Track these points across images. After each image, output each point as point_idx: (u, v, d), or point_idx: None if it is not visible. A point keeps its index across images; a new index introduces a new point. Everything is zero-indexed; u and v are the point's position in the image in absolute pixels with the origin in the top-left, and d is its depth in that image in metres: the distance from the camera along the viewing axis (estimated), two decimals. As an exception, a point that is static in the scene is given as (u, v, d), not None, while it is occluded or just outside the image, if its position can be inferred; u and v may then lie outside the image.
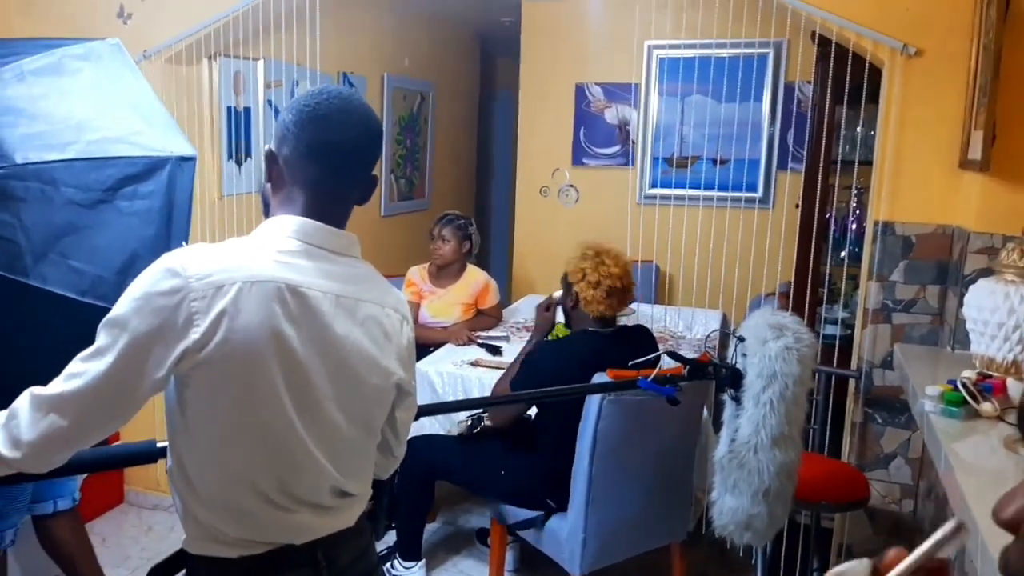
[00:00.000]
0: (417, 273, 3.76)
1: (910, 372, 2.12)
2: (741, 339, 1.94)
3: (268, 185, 1.25)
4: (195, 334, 1.09)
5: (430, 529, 3.25)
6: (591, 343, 2.45)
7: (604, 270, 2.45)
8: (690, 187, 4.31)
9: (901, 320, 2.52)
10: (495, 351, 3.26)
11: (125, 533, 3.27)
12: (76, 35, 2.82)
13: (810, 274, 2.71)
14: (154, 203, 1.49)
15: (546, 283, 4.71)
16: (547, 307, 2.69)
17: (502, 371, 2.77)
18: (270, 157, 1.23)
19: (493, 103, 6.66)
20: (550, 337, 2.87)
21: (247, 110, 3.48)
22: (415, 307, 3.63)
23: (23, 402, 1.11)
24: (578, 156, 4.83)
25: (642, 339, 2.54)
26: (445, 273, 3.69)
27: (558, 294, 2.64)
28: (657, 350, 2.53)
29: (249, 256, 1.15)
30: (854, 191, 3.30)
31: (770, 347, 1.88)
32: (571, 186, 4.84)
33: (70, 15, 3.19)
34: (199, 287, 1.09)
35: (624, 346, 2.45)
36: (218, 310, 1.09)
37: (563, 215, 4.82)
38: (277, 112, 3.70)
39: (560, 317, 2.68)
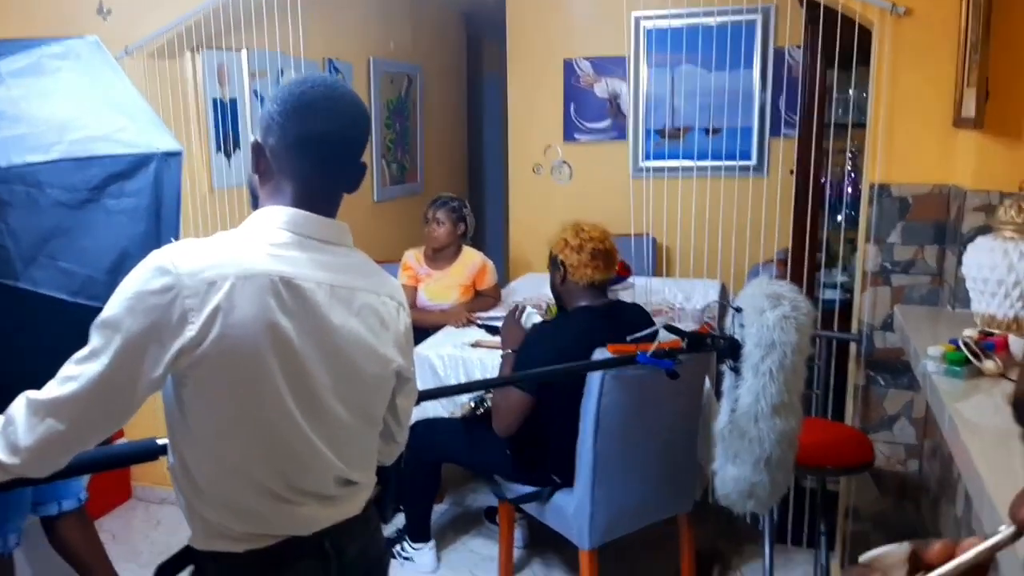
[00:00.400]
0: (413, 256, 3.74)
1: (911, 333, 2.11)
2: (739, 310, 1.94)
3: (255, 176, 1.24)
4: (190, 332, 1.08)
5: (438, 510, 3.27)
6: (586, 319, 2.44)
7: (584, 235, 2.48)
8: (683, 158, 4.30)
9: (900, 282, 2.51)
10: (495, 331, 3.25)
11: (134, 529, 3.28)
12: (56, 34, 2.79)
13: (807, 240, 2.69)
14: (141, 200, 1.48)
15: (543, 261, 4.64)
16: (516, 316, 2.67)
17: (501, 351, 2.77)
18: (256, 148, 1.22)
19: (481, 83, 6.61)
20: (546, 317, 2.87)
21: (233, 101, 3.45)
22: (412, 291, 3.62)
23: (19, 407, 1.10)
24: (569, 132, 4.80)
25: (637, 315, 2.54)
26: (441, 256, 3.68)
27: (524, 301, 2.66)
28: (645, 318, 2.54)
29: (240, 250, 1.14)
30: (849, 155, 3.28)
31: (767, 317, 1.87)
32: (564, 162, 4.82)
33: (49, 14, 3.15)
34: (191, 284, 1.08)
35: (619, 320, 2.45)
36: (212, 307, 1.08)
37: (557, 192, 4.79)
38: (263, 102, 3.66)
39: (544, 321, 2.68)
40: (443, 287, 3.63)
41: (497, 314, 3.51)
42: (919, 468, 2.60)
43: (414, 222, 4.71)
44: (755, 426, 1.88)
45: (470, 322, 3.39)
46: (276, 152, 1.20)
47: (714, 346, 1.96)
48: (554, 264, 2.53)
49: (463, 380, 3.00)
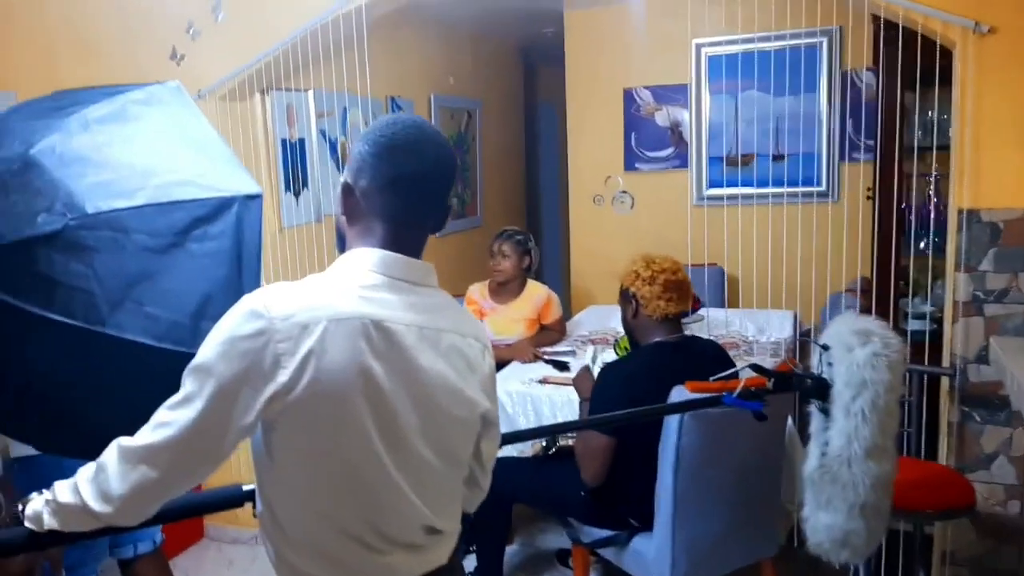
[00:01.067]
0: (477, 291, 3.72)
1: (1010, 366, 2.00)
2: (825, 347, 1.86)
3: (343, 217, 1.23)
4: (283, 376, 1.06)
5: (509, 552, 3.19)
6: (659, 355, 2.37)
7: (656, 266, 2.41)
8: (748, 185, 4.21)
9: (994, 311, 2.38)
10: (562, 367, 3.20)
11: (207, 569, 3.29)
12: (132, 78, 2.87)
13: (893, 268, 2.58)
14: (224, 243, 1.47)
15: (606, 293, 4.63)
16: (586, 371, 2.64)
17: (571, 386, 2.71)
18: (347, 189, 1.20)
19: (537, 114, 6.62)
20: (617, 352, 2.80)
21: (301, 141, 3.50)
22: (477, 326, 3.59)
23: (111, 455, 1.10)
24: (630, 161, 4.76)
25: (713, 349, 2.47)
26: (506, 289, 3.65)
27: (589, 340, 2.60)
28: (730, 364, 2.45)
29: (331, 293, 1.12)
30: (933, 178, 3.16)
31: (857, 354, 1.78)
32: (625, 192, 4.76)
33: (124, 61, 3.25)
34: (284, 328, 1.06)
35: (694, 356, 2.38)
36: (305, 351, 1.06)
37: (619, 223, 4.74)
38: (330, 142, 3.71)
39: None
40: (508, 321, 3.59)
41: (563, 348, 3.46)
42: (1020, 509, 2.45)
43: (474, 255, 4.70)
44: (848, 470, 1.79)
45: (536, 357, 3.34)
46: (368, 193, 1.18)
47: (801, 386, 1.87)
48: (625, 297, 2.47)
49: (532, 417, 2.95)
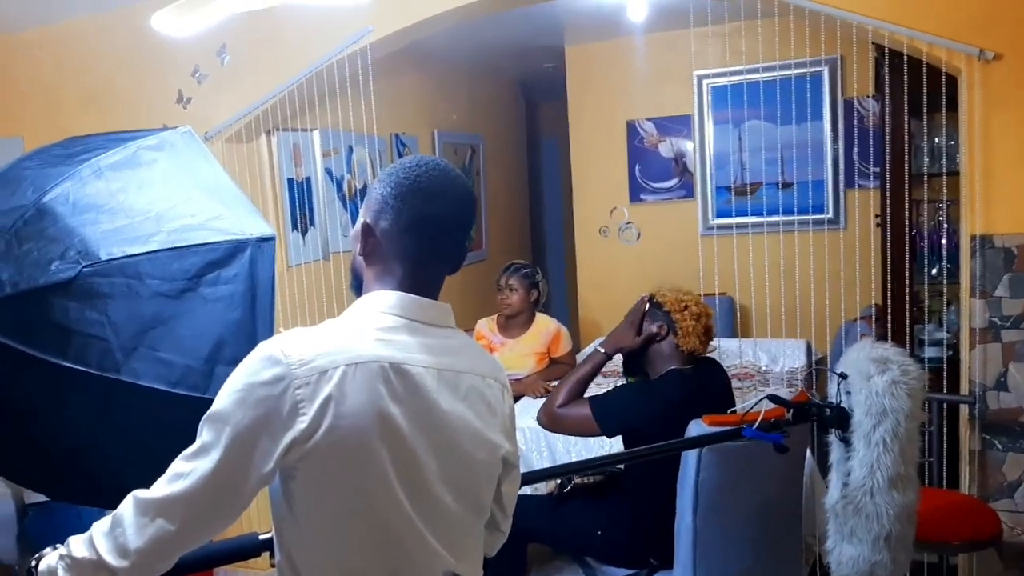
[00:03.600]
0: (486, 326, 3.70)
1: (1031, 393, 1.97)
2: (843, 376, 1.83)
3: (360, 258, 1.21)
4: (302, 423, 1.04)
5: (523, 591, 3.13)
6: (682, 385, 2.34)
7: (702, 307, 2.41)
8: (755, 214, 4.21)
9: (1011, 337, 2.36)
10: (574, 401, 3.16)
11: (217, 614, 3.23)
12: (139, 123, 2.88)
13: (907, 295, 2.57)
14: (237, 287, 1.47)
15: (614, 325, 4.59)
16: (642, 310, 2.48)
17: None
18: (366, 230, 1.19)
19: (540, 148, 6.66)
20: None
21: (307, 180, 3.51)
22: (487, 361, 3.56)
23: (127, 508, 1.07)
24: (635, 193, 4.77)
25: (720, 375, 2.45)
26: (514, 323, 3.63)
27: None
28: (727, 380, 2.43)
29: (349, 337, 1.11)
30: (944, 204, 3.15)
31: (875, 382, 1.76)
32: (631, 224, 4.77)
33: (130, 105, 3.28)
34: (302, 373, 1.04)
35: (708, 383, 2.36)
36: (324, 396, 1.04)
37: (625, 254, 4.74)
38: (336, 180, 3.72)
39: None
40: (518, 356, 3.57)
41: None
42: (1047, 538, 2.40)
43: (479, 290, 4.69)
44: (871, 501, 1.75)
45: (547, 392, 3.30)
46: (388, 234, 1.17)
47: (821, 416, 1.85)
48: (656, 318, 2.40)
49: (545, 453, 2.92)
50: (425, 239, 1.17)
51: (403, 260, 1.17)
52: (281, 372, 1.04)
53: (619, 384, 2.59)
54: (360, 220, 1.21)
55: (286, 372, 1.04)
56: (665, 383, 2.41)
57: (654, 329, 2.41)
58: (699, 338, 2.36)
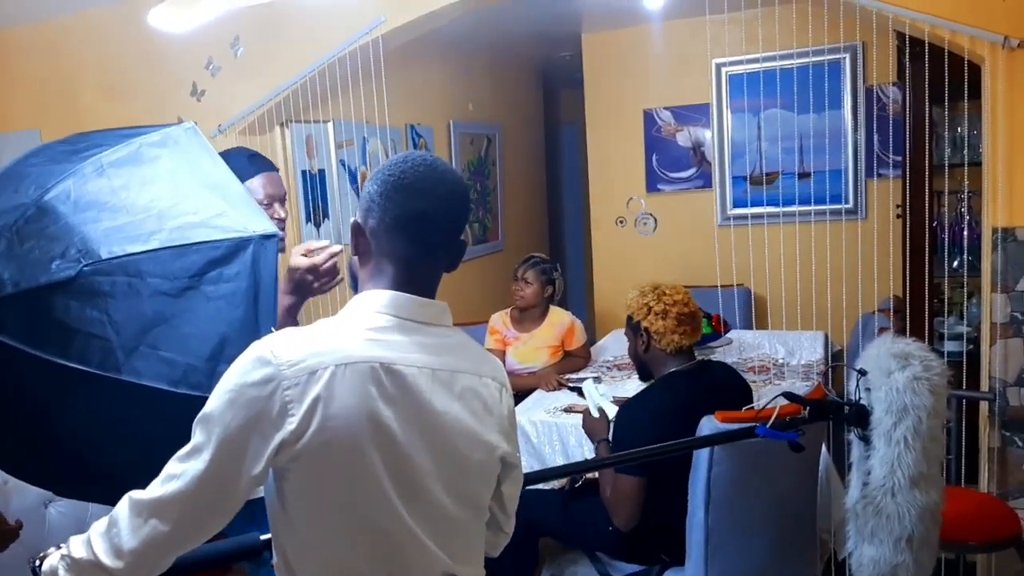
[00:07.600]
0: (499, 320, 3.68)
1: (1054, 390, 1.92)
2: (863, 372, 1.79)
3: (355, 258, 1.20)
4: (290, 424, 1.03)
5: (536, 585, 3.13)
6: (676, 388, 2.31)
7: (667, 299, 2.34)
8: (773, 204, 4.14)
9: (1034, 333, 2.30)
10: (587, 394, 3.15)
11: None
12: (154, 115, 2.89)
13: (927, 287, 2.51)
14: (240, 284, 1.45)
15: (631, 316, 4.56)
16: (586, 412, 2.56)
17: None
18: (356, 229, 1.18)
19: (559, 135, 6.61)
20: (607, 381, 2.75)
21: (321, 172, 3.51)
22: (500, 355, 3.54)
23: (123, 508, 1.08)
24: (652, 183, 4.72)
25: (729, 375, 2.41)
26: (528, 316, 3.61)
27: (589, 395, 2.60)
28: (744, 386, 2.38)
29: (340, 337, 1.10)
30: (965, 195, 3.08)
31: (896, 378, 1.72)
32: (648, 214, 4.73)
33: (146, 98, 3.29)
34: (291, 374, 1.04)
35: (713, 382, 2.32)
36: (312, 397, 1.04)
37: (642, 244, 4.69)
38: (350, 171, 3.71)
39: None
40: (532, 349, 3.55)
41: (589, 375, 3.40)
42: (1069, 538, 2.34)
43: (496, 281, 4.67)
44: (892, 501, 1.72)
45: (561, 385, 3.29)
46: (377, 233, 1.16)
47: (839, 414, 1.81)
48: (636, 331, 2.40)
49: (557, 447, 2.90)
50: (414, 236, 1.15)
51: (394, 259, 1.16)
52: (270, 373, 1.04)
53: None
54: (351, 220, 1.20)
55: (275, 373, 1.04)
56: (651, 393, 2.38)
57: (637, 347, 2.39)
58: (676, 333, 2.31)
